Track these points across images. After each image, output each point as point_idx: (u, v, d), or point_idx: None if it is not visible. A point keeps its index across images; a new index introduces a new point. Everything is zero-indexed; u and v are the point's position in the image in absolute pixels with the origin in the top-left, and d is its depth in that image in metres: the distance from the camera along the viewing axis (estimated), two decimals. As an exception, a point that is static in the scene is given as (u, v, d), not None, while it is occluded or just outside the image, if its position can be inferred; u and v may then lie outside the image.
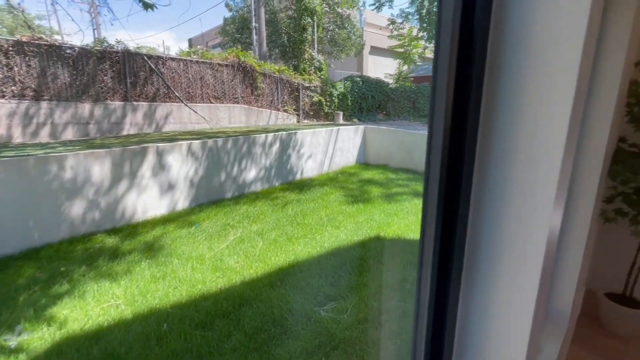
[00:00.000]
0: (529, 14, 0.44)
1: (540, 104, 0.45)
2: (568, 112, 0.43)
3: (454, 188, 0.51)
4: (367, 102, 10.99)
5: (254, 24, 11.35)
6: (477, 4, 0.44)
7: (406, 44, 12.14)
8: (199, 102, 8.21)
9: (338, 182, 6.49)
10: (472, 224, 0.54)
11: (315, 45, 10.50)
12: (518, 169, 0.48)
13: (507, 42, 0.46)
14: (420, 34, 12.08)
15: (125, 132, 7.09)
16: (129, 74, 7.08)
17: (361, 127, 8.48)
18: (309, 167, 7.00)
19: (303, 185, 6.25)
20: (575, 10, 0.41)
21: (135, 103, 7.24)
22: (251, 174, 6.00)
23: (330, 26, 11.55)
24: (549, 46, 0.43)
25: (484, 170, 0.50)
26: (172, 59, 7.77)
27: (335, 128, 7.74)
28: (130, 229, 4.26)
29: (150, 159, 4.64)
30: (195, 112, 8.03)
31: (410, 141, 8.02)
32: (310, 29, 10.23)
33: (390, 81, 12.14)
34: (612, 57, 1.06)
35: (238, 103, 8.94)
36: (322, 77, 9.94)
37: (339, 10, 11.86)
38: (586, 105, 1.12)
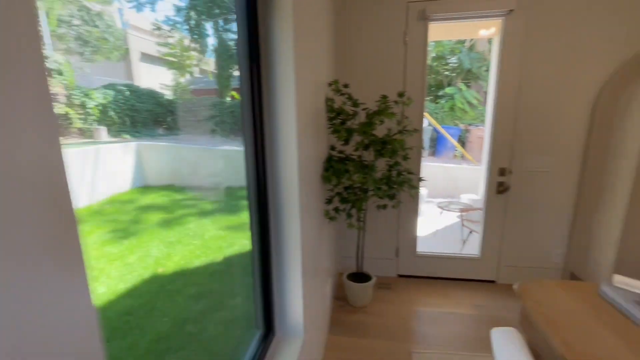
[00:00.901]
0: None
1: None
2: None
3: None
4: (141, 116, 9.58)
5: None
6: None
7: (178, 53, 11.53)
8: None
9: (103, 216, 5.12)
10: None
11: (49, 41, 8.02)
12: None
13: None
14: (192, 45, 11.84)
15: None
16: None
17: (133, 144, 7.23)
18: (54, 202, 5.14)
19: (44, 230, 4.49)
20: None
21: None
22: None
23: (72, 20, 9.19)
24: None
25: None
26: None
27: (93, 147, 6.15)
28: None
29: None
30: None
31: (195, 157, 7.59)
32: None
33: (168, 92, 11.17)
34: (286, 79, 1.08)
35: None
36: (66, 82, 7.71)
37: (86, 3, 9.65)
38: (273, 125, 1.12)
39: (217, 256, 3.38)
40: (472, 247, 3.09)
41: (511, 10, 2.22)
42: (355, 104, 1.94)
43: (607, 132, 2.14)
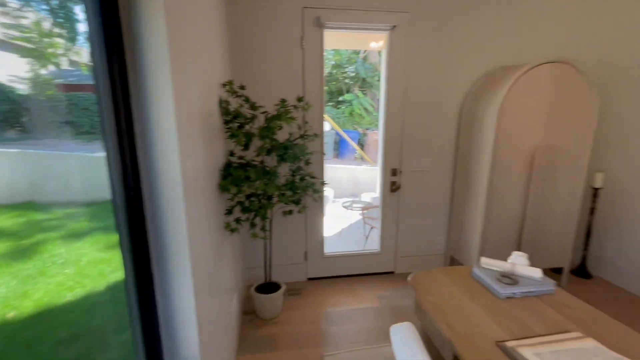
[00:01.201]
0: None
1: None
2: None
3: None
4: (-21, 114, 7.35)
5: None
6: None
7: (36, 38, 9.23)
8: None
9: None
10: None
11: None
12: None
13: None
14: (57, 30, 9.65)
15: None
16: None
17: (-34, 152, 5.49)
18: None
19: None
20: None
21: None
22: None
23: None
24: None
25: None
26: None
27: None
28: None
29: None
30: None
31: (65, 165, 6.25)
32: None
33: (23, 86, 8.85)
34: (160, 76, 0.91)
35: None
36: None
37: None
38: (145, 128, 0.94)
39: (99, 284, 2.80)
40: (374, 243, 3.32)
41: (394, 26, 2.46)
42: (254, 107, 1.84)
43: (469, 133, 2.57)
